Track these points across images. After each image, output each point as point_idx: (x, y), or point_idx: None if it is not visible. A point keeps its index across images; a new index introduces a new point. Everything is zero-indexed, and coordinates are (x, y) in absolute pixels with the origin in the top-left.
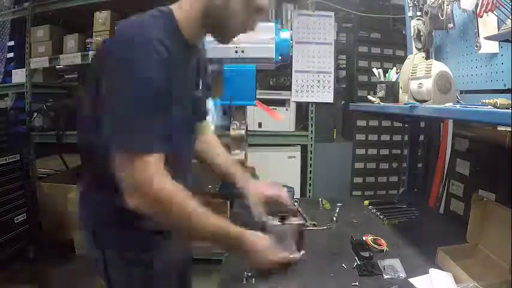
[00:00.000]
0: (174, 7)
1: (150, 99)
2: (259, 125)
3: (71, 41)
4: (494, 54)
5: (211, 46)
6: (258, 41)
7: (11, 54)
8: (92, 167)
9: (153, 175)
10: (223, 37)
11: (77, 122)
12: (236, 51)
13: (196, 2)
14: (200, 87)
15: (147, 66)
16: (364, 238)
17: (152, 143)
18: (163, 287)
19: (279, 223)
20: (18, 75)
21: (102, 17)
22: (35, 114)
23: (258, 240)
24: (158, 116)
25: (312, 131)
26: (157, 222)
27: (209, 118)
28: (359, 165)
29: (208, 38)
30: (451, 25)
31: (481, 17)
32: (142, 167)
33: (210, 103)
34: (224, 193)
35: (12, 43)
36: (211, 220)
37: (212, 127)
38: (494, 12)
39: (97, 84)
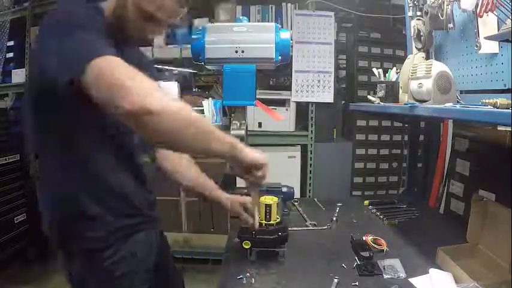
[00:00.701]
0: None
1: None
2: (259, 125)
3: None
4: (494, 54)
5: (210, 46)
6: (258, 41)
7: (11, 54)
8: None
9: (132, 70)
10: (128, 42)
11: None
12: (236, 51)
13: (111, 3)
14: None
15: (85, 21)
16: (364, 238)
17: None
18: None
19: None
20: (18, 75)
21: None
22: None
23: None
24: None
25: (312, 131)
26: (158, 127)
27: None
28: (359, 165)
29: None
30: (451, 25)
31: (481, 17)
32: (122, 63)
33: None
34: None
35: (11, 43)
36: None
37: None
38: (494, 12)
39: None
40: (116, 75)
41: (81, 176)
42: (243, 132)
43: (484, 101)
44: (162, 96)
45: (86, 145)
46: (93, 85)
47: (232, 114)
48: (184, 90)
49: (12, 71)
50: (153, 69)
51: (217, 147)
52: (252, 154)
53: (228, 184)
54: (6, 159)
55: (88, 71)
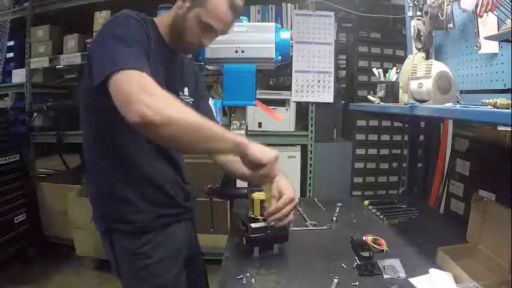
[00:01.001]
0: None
1: (133, 41)
2: (259, 125)
3: (71, 41)
4: (494, 54)
5: (211, 46)
6: (258, 41)
7: (11, 54)
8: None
9: (151, 82)
10: (182, 48)
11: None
12: (236, 51)
13: (168, 15)
14: (185, 90)
15: (129, 23)
16: (364, 238)
17: (142, 65)
18: (164, 276)
19: None
20: (18, 75)
21: (102, 17)
22: (35, 114)
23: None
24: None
25: (312, 131)
26: (166, 132)
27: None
28: (359, 165)
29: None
30: (451, 25)
31: (481, 17)
32: (139, 77)
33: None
34: (224, 193)
35: (12, 43)
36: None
37: None
38: (494, 12)
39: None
40: (128, 88)
41: (123, 168)
42: (243, 132)
43: (483, 101)
44: (168, 107)
45: (125, 140)
46: (112, 93)
47: (232, 114)
48: None
49: (13, 71)
50: (200, 78)
51: (223, 148)
52: (256, 153)
53: (227, 184)
54: (6, 159)
55: (109, 81)
